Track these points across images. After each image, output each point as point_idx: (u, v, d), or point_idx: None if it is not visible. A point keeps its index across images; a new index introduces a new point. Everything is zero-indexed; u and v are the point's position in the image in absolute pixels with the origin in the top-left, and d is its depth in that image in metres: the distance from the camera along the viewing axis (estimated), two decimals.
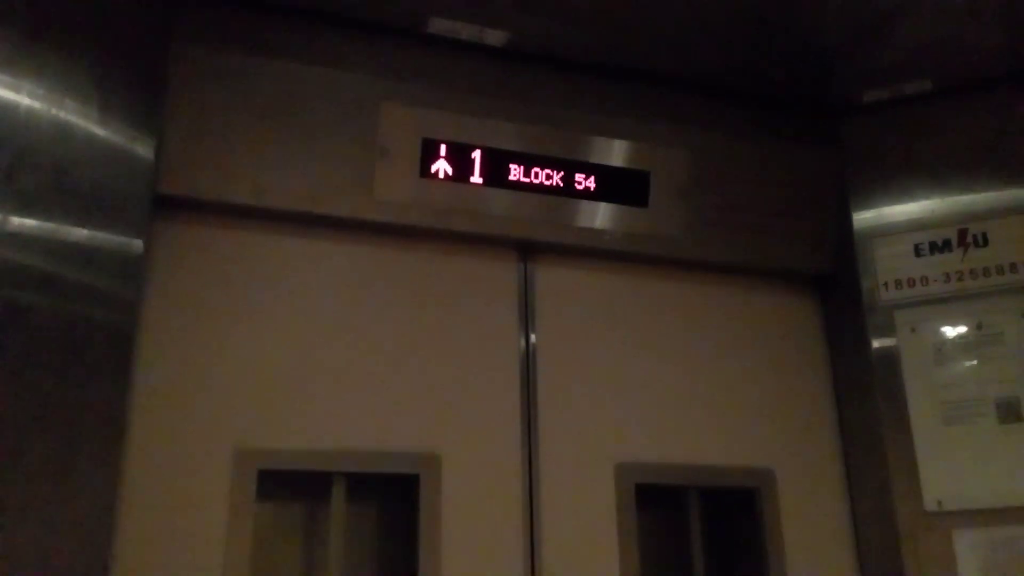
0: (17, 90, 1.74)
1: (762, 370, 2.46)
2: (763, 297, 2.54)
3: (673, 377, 2.35)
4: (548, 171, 2.27)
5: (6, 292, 1.65)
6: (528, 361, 2.22)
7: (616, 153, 2.34)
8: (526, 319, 2.26)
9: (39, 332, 1.66)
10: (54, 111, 1.78)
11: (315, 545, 2.00)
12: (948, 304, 2.39)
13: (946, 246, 2.42)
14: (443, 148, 2.17)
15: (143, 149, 1.87)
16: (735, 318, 2.48)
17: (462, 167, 2.18)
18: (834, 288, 2.56)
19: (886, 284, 2.45)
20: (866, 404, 2.40)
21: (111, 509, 1.69)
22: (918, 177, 2.47)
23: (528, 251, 2.31)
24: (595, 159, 2.32)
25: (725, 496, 2.37)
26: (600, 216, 2.31)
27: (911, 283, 2.43)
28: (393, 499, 2.08)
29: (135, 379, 1.83)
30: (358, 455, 2.00)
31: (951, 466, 2.27)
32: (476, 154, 2.20)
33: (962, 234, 2.41)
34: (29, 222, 1.71)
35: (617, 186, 2.33)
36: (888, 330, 2.40)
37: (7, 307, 1.65)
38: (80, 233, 1.76)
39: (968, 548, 2.20)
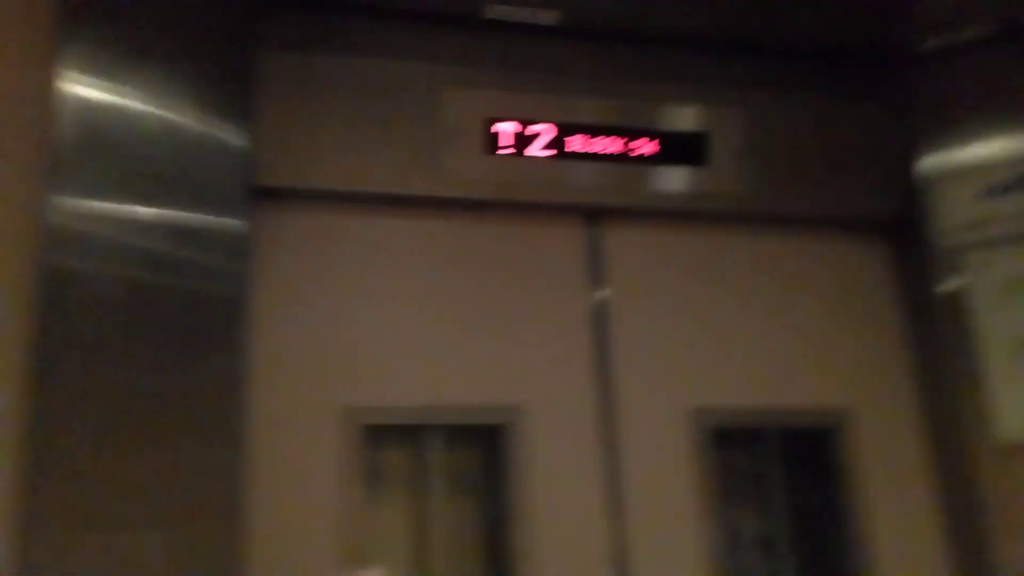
0: (125, 96, 1.97)
1: (833, 316, 2.52)
2: (831, 246, 2.59)
3: (745, 326, 2.44)
4: (609, 139, 2.38)
5: (133, 273, 1.88)
6: (601, 317, 2.35)
7: (674, 117, 2.44)
8: (596, 279, 2.38)
9: (168, 308, 1.89)
10: (159, 113, 2.00)
11: (416, 491, 2.18)
12: (1016, 243, 2.40)
13: (1013, 187, 2.43)
14: (505, 125, 2.32)
15: (239, 143, 2.07)
16: (804, 267, 2.55)
17: (524, 142, 2.33)
18: (902, 233, 2.59)
19: (953, 227, 2.47)
20: (938, 343, 2.44)
21: (239, 463, 1.89)
22: (982, 120, 2.49)
23: (594, 216, 2.43)
24: (654, 125, 2.42)
25: (804, 438, 2.44)
26: (663, 179, 2.42)
27: (979, 225, 2.45)
28: (484, 448, 2.24)
29: (251, 349, 2.03)
30: (449, 409, 2.17)
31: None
32: (537, 128, 2.34)
33: None
34: (148, 211, 1.93)
35: (678, 149, 2.43)
36: (957, 271, 2.43)
37: (139, 286, 1.88)
38: (192, 218, 1.97)
39: None
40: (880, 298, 2.58)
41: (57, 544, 1.68)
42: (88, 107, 1.93)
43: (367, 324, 2.19)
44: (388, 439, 2.17)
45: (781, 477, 2.39)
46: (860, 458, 2.38)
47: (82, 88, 1.93)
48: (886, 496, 2.37)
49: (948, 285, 2.44)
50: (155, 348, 1.85)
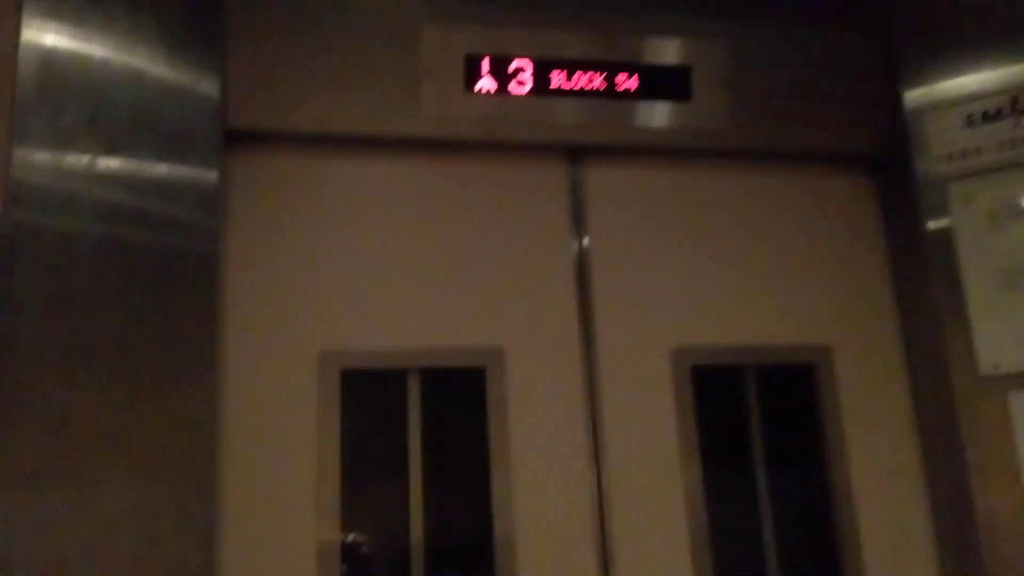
0: (89, 42, 1.92)
1: (817, 252, 2.51)
2: (815, 181, 2.57)
3: (727, 264, 2.43)
4: (590, 75, 2.34)
5: (101, 227, 1.86)
6: (582, 257, 2.34)
7: (657, 50, 2.39)
8: (578, 218, 2.36)
9: (135, 262, 1.87)
10: (125, 59, 1.95)
11: (396, 438, 2.18)
12: (1002, 173, 2.37)
13: (998, 115, 2.40)
14: (485, 62, 2.27)
15: (209, 88, 2.03)
16: (788, 203, 2.53)
17: (505, 79, 2.28)
18: (887, 167, 2.56)
19: (938, 158, 2.44)
20: (921, 277, 2.43)
21: (214, 412, 1.90)
22: (967, 49, 2.43)
23: (576, 155, 2.40)
24: (636, 58, 2.37)
25: (782, 375, 2.45)
26: (645, 114, 2.38)
27: (964, 155, 2.42)
28: (464, 392, 2.24)
29: (224, 297, 2.03)
30: (429, 352, 2.17)
31: (1007, 330, 2.29)
32: (518, 65, 2.29)
33: (1014, 101, 2.39)
34: (114, 163, 1.90)
35: (660, 83, 2.38)
36: (942, 204, 2.40)
37: (104, 241, 1.86)
38: (160, 169, 1.94)
39: None
40: (864, 233, 2.57)
41: (24, 500, 1.69)
42: (51, 55, 1.88)
43: (344, 268, 2.17)
44: (366, 384, 2.16)
45: (761, 416, 2.40)
46: (841, 396, 2.40)
47: (45, 35, 1.88)
48: (867, 434, 2.39)
49: (932, 218, 2.41)
50: (125, 302, 1.84)
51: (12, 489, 1.69)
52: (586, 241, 2.35)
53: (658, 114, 2.39)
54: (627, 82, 2.37)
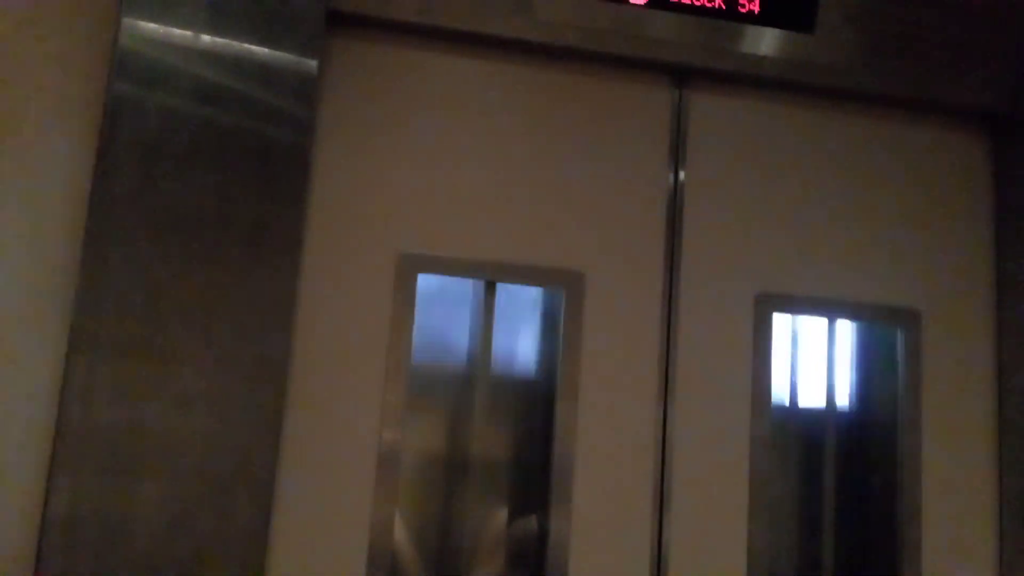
0: None
1: (921, 210, 2.39)
2: (930, 134, 2.43)
3: (824, 213, 2.33)
4: None
5: (199, 106, 1.83)
6: (676, 190, 2.25)
7: None
8: (677, 148, 2.26)
9: (229, 143, 1.84)
10: None
11: (466, 349, 2.18)
12: None
13: None
14: None
15: None
16: (897, 155, 2.40)
17: None
18: (1008, 128, 2.41)
19: None
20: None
21: (292, 303, 1.89)
22: None
23: (684, 77, 2.28)
24: None
25: (869, 335, 2.39)
26: (762, 41, 2.24)
27: None
28: (539, 314, 2.22)
29: (312, 188, 1.99)
30: (509, 268, 2.13)
31: None
32: None
33: None
34: (218, 40, 1.85)
35: (782, 9, 2.23)
36: None
37: (201, 119, 1.82)
38: (262, 52, 1.88)
39: None
40: (973, 196, 2.44)
41: (106, 367, 1.72)
42: None
43: (432, 171, 2.11)
44: (444, 292, 2.14)
45: (838, 374, 2.35)
46: (923, 364, 2.32)
47: None
48: (943, 405, 2.31)
49: None
50: (217, 182, 1.82)
51: (96, 353, 1.71)
52: (682, 172, 2.25)
53: (777, 43, 2.25)
54: (748, 4, 2.22)
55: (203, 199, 1.81)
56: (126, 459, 1.71)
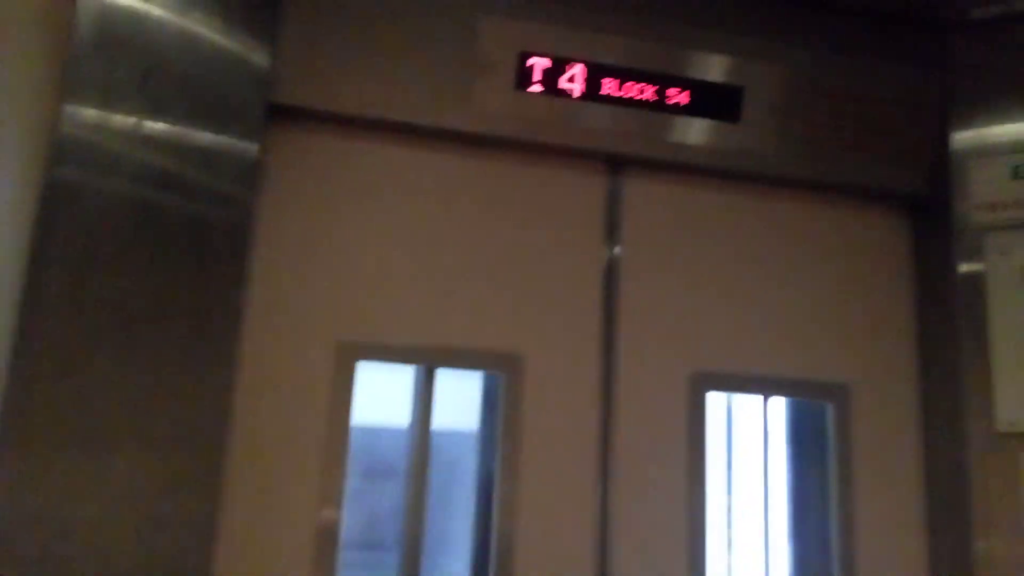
0: (147, 2, 1.90)
1: (845, 289, 2.49)
2: (853, 216, 2.55)
3: (754, 292, 2.41)
4: (642, 85, 2.31)
5: (139, 190, 1.85)
6: (612, 272, 2.32)
7: (710, 67, 2.35)
8: (612, 231, 2.34)
9: (168, 228, 1.86)
10: (181, 22, 1.92)
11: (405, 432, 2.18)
12: None
13: None
14: (538, 61, 2.23)
15: (261, 60, 2.01)
16: (822, 236, 2.51)
17: (557, 80, 2.25)
18: (926, 209, 2.54)
19: (979, 206, 2.41)
20: (947, 325, 2.41)
21: (231, 389, 1.89)
22: (1021, 98, 2.40)
23: (618, 164, 2.38)
24: (688, 73, 2.34)
25: (799, 410, 2.46)
26: (692, 131, 2.35)
27: (1006, 206, 2.39)
28: (482, 393, 2.26)
29: (251, 274, 2.02)
30: (449, 353, 2.16)
31: None
32: (571, 68, 2.26)
33: None
34: (159, 126, 1.88)
35: (710, 101, 2.35)
36: (977, 253, 2.38)
37: (142, 204, 1.84)
38: (203, 137, 1.92)
39: None
40: (895, 275, 2.55)
41: (38, 462, 1.68)
42: (108, 11, 1.86)
43: (372, 259, 2.16)
44: (382, 378, 2.16)
45: (772, 447, 2.40)
46: (852, 436, 2.39)
47: None
48: (875, 477, 2.38)
49: (966, 266, 2.39)
50: (156, 269, 1.83)
51: (29, 447, 1.69)
52: (617, 254, 2.33)
53: (704, 132, 2.36)
54: (678, 96, 2.34)
55: (140, 291, 1.81)
56: (56, 558, 1.66)
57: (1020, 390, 2.29)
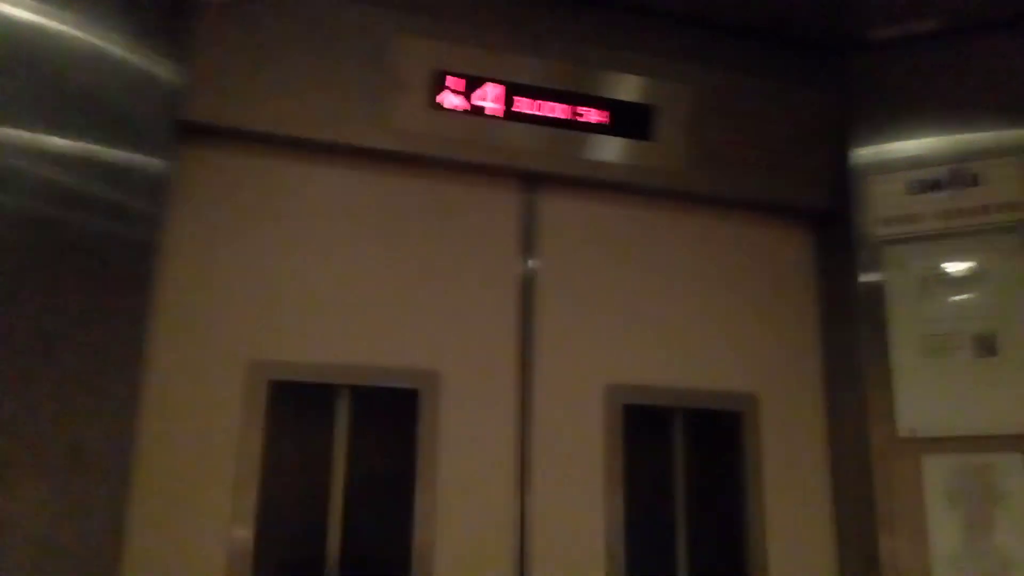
0: (49, 15, 1.85)
1: (753, 301, 2.57)
2: (759, 231, 2.63)
3: (666, 305, 2.47)
4: (555, 104, 2.35)
5: (38, 207, 1.79)
6: (528, 287, 2.35)
7: (622, 87, 2.41)
8: (527, 247, 2.37)
9: (69, 246, 1.80)
10: (83, 36, 1.88)
11: (321, 455, 2.15)
12: (937, 241, 2.45)
13: (939, 185, 2.48)
14: (453, 80, 2.26)
15: (168, 76, 1.98)
16: (730, 250, 2.58)
17: (471, 99, 2.27)
18: (829, 224, 2.63)
19: (879, 221, 2.51)
20: (850, 335, 2.50)
21: (135, 413, 1.85)
22: (918, 116, 2.52)
23: (533, 182, 2.41)
24: (602, 93, 2.39)
25: (710, 420, 2.50)
26: (605, 149, 2.40)
27: (903, 220, 2.49)
28: (395, 413, 2.22)
29: (157, 293, 1.97)
30: (363, 369, 2.15)
31: (927, 396, 2.38)
32: (485, 86, 2.29)
33: (955, 173, 2.47)
34: (61, 142, 1.83)
35: (623, 120, 2.41)
36: (877, 265, 2.48)
37: (39, 221, 1.78)
38: (108, 153, 1.88)
39: (936, 474, 2.32)
40: (800, 287, 2.64)
41: None
42: (7, 25, 1.81)
43: (285, 275, 2.13)
44: (294, 398, 2.13)
45: (685, 459, 2.45)
46: (762, 445, 2.46)
47: (2, 3, 1.80)
48: (784, 483, 2.45)
49: (867, 278, 2.48)
50: (54, 289, 1.77)
51: None
52: (533, 269, 2.36)
53: (617, 150, 2.41)
54: (591, 115, 2.38)
55: (37, 313, 1.74)
56: None
57: (919, 397, 2.38)
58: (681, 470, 2.43)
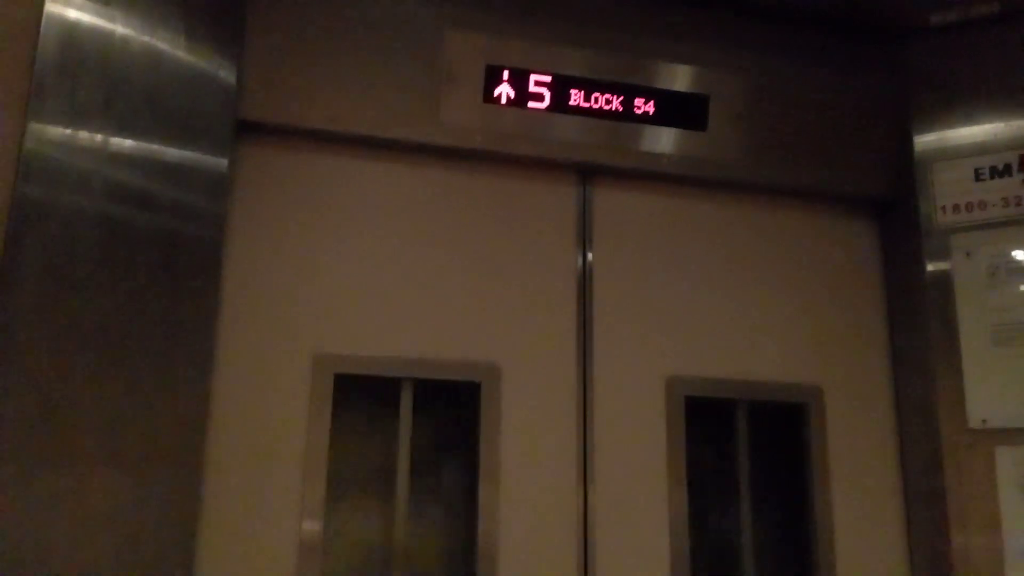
0: (112, 20, 1.90)
1: (816, 292, 2.51)
2: (820, 221, 2.58)
3: (726, 296, 2.43)
4: (608, 96, 2.33)
5: (110, 208, 1.84)
6: (585, 279, 2.33)
7: (676, 77, 2.39)
8: (584, 240, 2.36)
9: (138, 244, 1.85)
10: (146, 40, 1.93)
11: (385, 447, 2.16)
12: (1005, 228, 2.39)
13: (1007, 171, 2.42)
14: (506, 74, 2.26)
15: (226, 76, 2.01)
16: (791, 240, 2.53)
17: (524, 92, 2.27)
18: (892, 212, 2.57)
19: (944, 208, 2.46)
20: (917, 325, 2.45)
21: (205, 408, 1.88)
22: (981, 101, 2.46)
23: (588, 174, 2.39)
24: (655, 83, 2.37)
25: (774, 412, 2.46)
26: (659, 140, 2.38)
27: (969, 207, 2.44)
28: (457, 406, 2.24)
29: (223, 290, 2.01)
30: (425, 363, 2.16)
31: (998, 386, 2.31)
32: (538, 79, 2.28)
33: (1023, 159, 2.41)
34: (127, 143, 1.88)
35: (677, 110, 2.39)
36: (943, 254, 2.42)
37: (110, 222, 1.83)
38: (171, 153, 1.92)
39: (1009, 465, 2.26)
40: (864, 276, 2.58)
41: (11, 482, 1.65)
42: (74, 29, 1.85)
43: (345, 271, 2.15)
44: (361, 391, 2.14)
45: (748, 451, 2.41)
46: (828, 437, 2.41)
47: (68, 9, 1.85)
48: (851, 476, 2.40)
49: (934, 267, 2.43)
50: (126, 287, 1.81)
51: (2, 467, 1.65)
52: (590, 262, 2.34)
53: (672, 141, 2.39)
54: (644, 106, 2.37)
55: (111, 309, 1.78)
56: None
57: (990, 387, 2.32)
58: (745, 463, 2.39)
